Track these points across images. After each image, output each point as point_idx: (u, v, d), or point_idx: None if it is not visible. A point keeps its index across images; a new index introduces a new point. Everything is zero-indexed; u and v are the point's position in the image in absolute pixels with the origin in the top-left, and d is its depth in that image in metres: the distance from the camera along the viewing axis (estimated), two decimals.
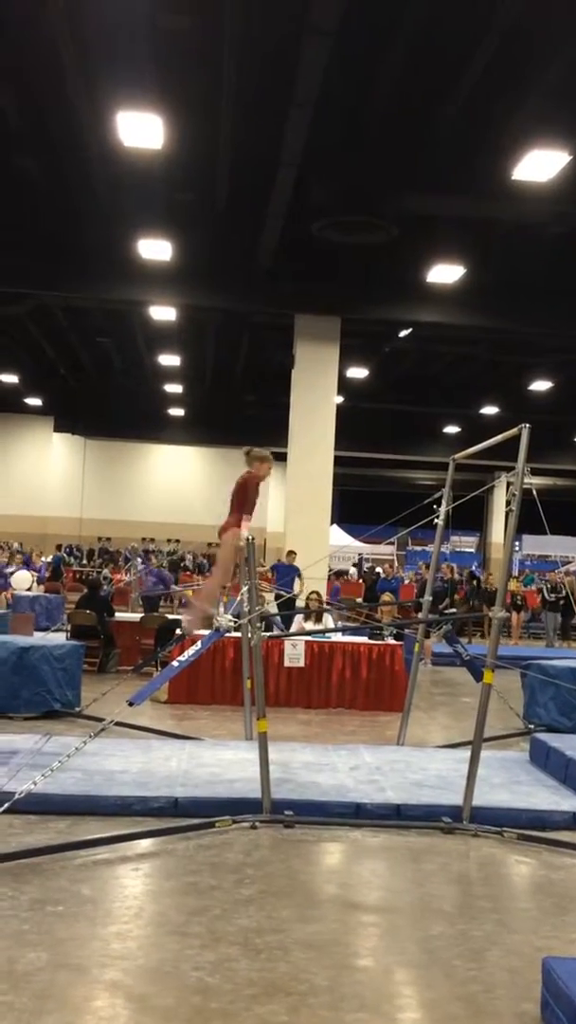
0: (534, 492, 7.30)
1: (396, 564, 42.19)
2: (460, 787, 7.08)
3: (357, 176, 12.78)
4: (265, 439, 28.72)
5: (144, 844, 6.30)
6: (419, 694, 12.92)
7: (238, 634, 9.15)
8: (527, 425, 7.16)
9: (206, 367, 26.84)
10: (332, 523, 24.33)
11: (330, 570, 21.44)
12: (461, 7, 9.57)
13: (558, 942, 5.08)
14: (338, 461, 18.91)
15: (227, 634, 7.55)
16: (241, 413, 27.40)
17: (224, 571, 7.88)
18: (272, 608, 12.88)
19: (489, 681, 7.09)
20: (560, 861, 6.43)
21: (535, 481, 7.38)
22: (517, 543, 48.16)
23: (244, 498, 7.60)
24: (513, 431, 7.40)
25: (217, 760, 8.16)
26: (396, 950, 4.96)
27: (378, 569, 24.15)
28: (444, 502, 9.39)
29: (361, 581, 25.72)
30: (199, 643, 7.18)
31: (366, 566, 31.68)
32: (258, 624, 7.38)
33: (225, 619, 7.49)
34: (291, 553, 15.88)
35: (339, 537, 33.31)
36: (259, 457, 7.69)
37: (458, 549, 56.81)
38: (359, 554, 37.10)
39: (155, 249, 15.33)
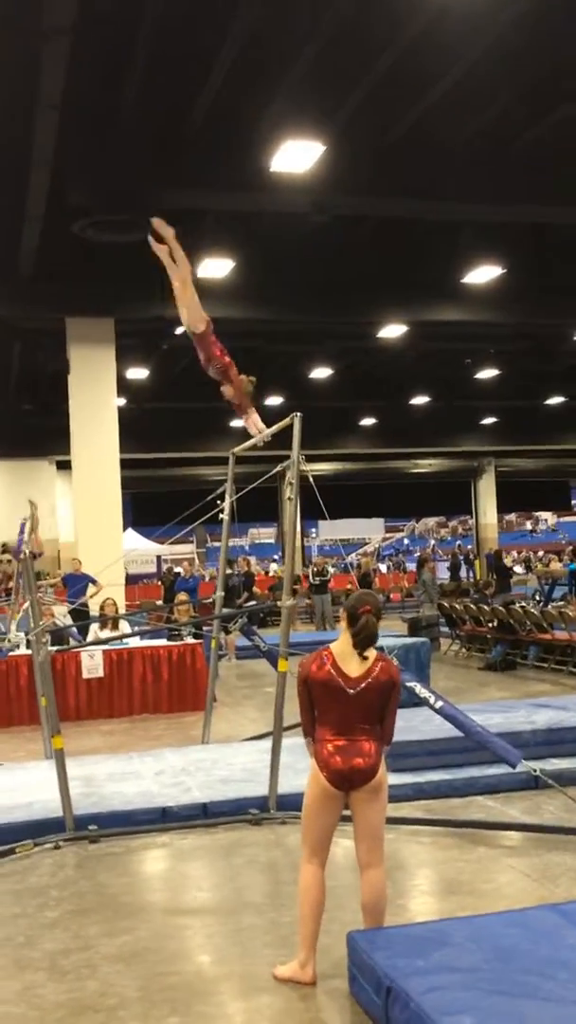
0: (311, 478, 7.40)
1: (197, 562, 42.14)
2: (265, 778, 7.11)
3: (114, 174, 12.57)
4: (49, 448, 27.96)
5: None
6: (224, 689, 12.99)
7: (30, 651, 8.87)
8: (298, 414, 7.30)
9: None
10: (126, 527, 23.97)
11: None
12: (201, 5, 9.58)
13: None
14: (127, 464, 18.61)
15: (11, 652, 7.28)
16: (20, 423, 26.51)
17: None
18: (66, 620, 12.54)
19: (284, 669, 7.14)
20: None
21: (320, 467, 7.51)
22: (313, 530, 49.04)
23: None
24: (286, 421, 7.52)
25: (16, 784, 7.87)
26: (208, 949, 4.94)
27: (177, 569, 23.99)
28: (227, 495, 9.42)
29: (160, 582, 25.44)
30: None
31: (164, 566, 31.42)
32: (44, 639, 7.18)
33: (14, 637, 7.23)
34: (75, 560, 15.49)
35: (135, 541, 32.89)
36: None
37: (257, 541, 57.49)
38: (158, 556, 36.78)
39: None
